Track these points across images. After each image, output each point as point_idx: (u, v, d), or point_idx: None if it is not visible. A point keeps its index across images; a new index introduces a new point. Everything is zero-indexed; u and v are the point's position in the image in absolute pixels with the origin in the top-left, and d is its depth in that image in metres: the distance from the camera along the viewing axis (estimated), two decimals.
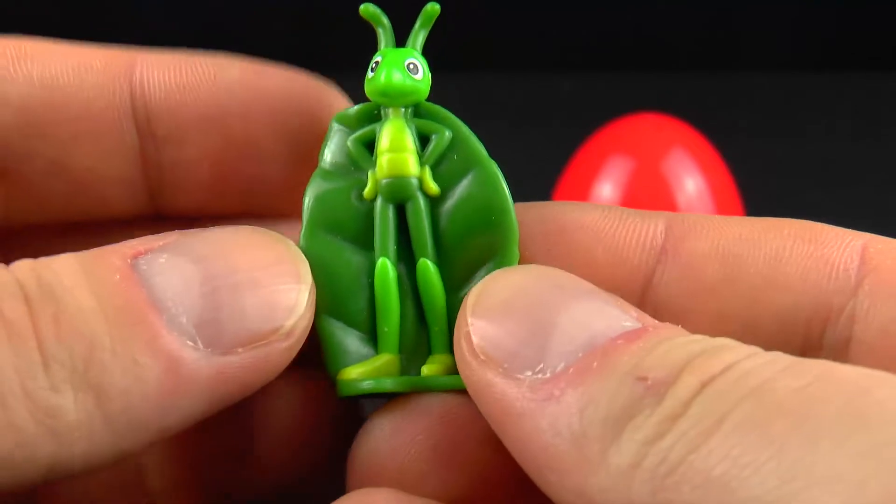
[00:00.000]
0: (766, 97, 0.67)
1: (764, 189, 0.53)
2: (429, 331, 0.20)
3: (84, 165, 0.21)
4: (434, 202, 0.20)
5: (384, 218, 0.20)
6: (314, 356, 0.20)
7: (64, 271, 0.17)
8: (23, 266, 0.17)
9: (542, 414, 0.16)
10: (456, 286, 0.20)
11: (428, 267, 0.20)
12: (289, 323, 0.18)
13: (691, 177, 0.45)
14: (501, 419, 0.17)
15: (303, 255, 0.19)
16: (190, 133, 0.20)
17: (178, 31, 0.66)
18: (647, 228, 0.20)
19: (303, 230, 0.20)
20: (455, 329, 0.18)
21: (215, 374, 0.17)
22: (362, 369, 0.20)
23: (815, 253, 0.19)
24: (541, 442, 0.16)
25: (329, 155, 0.20)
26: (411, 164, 0.20)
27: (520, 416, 0.17)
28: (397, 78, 0.20)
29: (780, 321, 0.19)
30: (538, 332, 0.17)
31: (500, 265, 0.20)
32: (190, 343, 0.17)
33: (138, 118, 0.21)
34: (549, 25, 0.67)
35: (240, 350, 0.17)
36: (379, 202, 0.20)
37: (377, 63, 0.20)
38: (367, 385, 0.20)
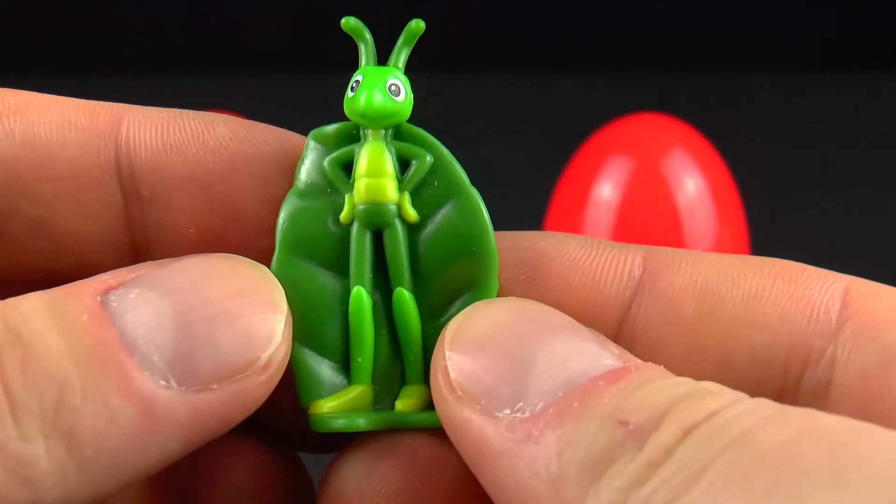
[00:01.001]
0: (766, 97, 0.67)
1: (764, 189, 0.53)
2: (403, 361, 0.20)
3: (67, 225, 0.20)
4: (412, 229, 0.20)
5: (360, 244, 0.19)
6: (277, 418, 0.20)
7: (31, 313, 0.17)
8: None
9: (519, 454, 0.16)
10: (433, 315, 0.20)
11: (404, 296, 0.20)
12: (265, 354, 0.17)
13: (691, 177, 0.45)
14: (478, 458, 0.17)
15: (278, 283, 0.18)
16: (175, 195, 0.20)
17: (178, 28, 0.66)
18: (624, 260, 0.20)
19: (276, 253, 0.19)
20: (431, 362, 0.18)
21: (191, 412, 0.17)
22: (335, 402, 0.19)
23: (796, 294, 0.19)
24: (517, 483, 0.16)
25: (304, 174, 0.20)
26: (390, 190, 0.19)
27: (497, 455, 0.16)
28: (378, 100, 0.19)
29: (756, 360, 0.19)
30: (517, 369, 0.17)
31: (478, 295, 0.19)
32: (163, 382, 0.17)
33: (123, 178, 0.20)
34: (549, 25, 0.67)
35: (215, 386, 0.17)
36: (355, 227, 0.19)
37: (357, 82, 0.19)
38: (340, 424, 0.19)
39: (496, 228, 0.20)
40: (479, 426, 0.17)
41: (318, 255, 0.20)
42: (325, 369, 0.20)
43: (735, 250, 0.46)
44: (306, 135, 0.20)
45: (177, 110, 0.20)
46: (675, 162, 0.45)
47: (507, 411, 0.17)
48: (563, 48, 0.67)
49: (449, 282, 0.19)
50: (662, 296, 0.19)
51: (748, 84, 0.67)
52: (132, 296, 0.17)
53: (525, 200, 0.49)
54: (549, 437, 0.16)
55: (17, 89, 0.20)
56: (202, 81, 0.60)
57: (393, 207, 0.19)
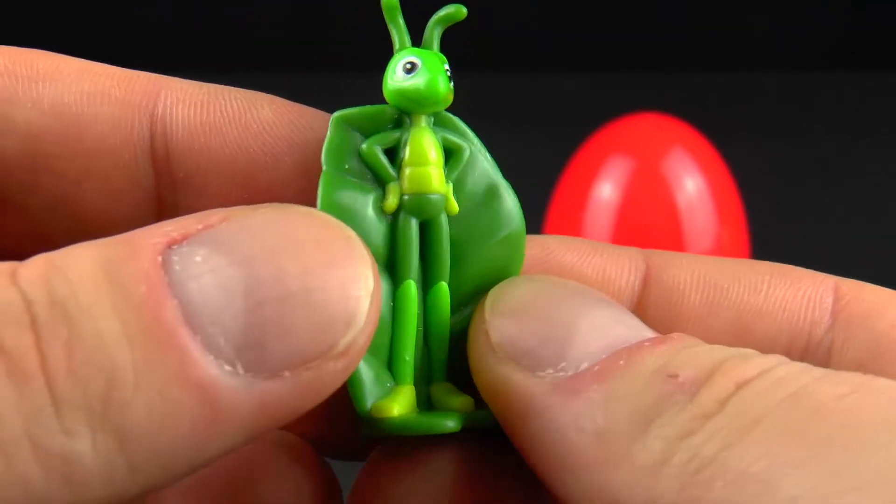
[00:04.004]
0: (766, 97, 0.67)
1: (764, 189, 0.53)
2: (431, 357, 0.19)
3: (93, 204, 0.19)
4: (451, 218, 0.19)
5: (408, 236, 0.18)
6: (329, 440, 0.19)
7: (81, 282, 0.14)
8: (34, 274, 0.14)
9: (563, 409, 0.16)
10: (456, 309, 0.19)
11: (445, 291, 0.19)
12: (345, 339, 0.15)
13: (691, 177, 0.45)
14: (518, 415, 0.17)
15: (367, 252, 0.16)
16: (211, 180, 0.18)
17: (178, 27, 0.66)
18: (628, 257, 0.20)
19: None
20: (470, 328, 0.18)
21: (257, 403, 0.15)
22: (399, 404, 0.18)
23: (792, 288, 0.19)
24: (560, 438, 0.16)
25: (336, 159, 0.18)
26: (438, 180, 0.18)
27: (539, 411, 0.16)
28: (443, 85, 0.18)
29: (760, 348, 0.19)
30: (560, 331, 0.17)
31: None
32: (228, 368, 0.14)
33: (157, 158, 0.18)
34: (550, 25, 0.67)
35: (287, 374, 0.15)
36: (402, 218, 0.18)
37: (412, 64, 0.18)
38: (424, 425, 0.18)
39: None
40: (520, 383, 0.17)
41: None
42: (374, 370, 0.18)
43: (735, 250, 0.46)
44: None
45: (219, 86, 0.19)
46: (675, 162, 0.45)
47: (550, 370, 0.17)
48: (564, 48, 0.67)
49: (477, 276, 0.19)
50: (670, 287, 0.20)
51: (748, 84, 0.67)
52: (198, 259, 0.15)
53: (525, 200, 0.49)
54: (594, 391, 0.16)
55: (47, 52, 0.19)
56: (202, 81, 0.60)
57: (440, 198, 0.18)
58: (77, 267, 0.14)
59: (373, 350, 0.18)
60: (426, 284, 0.19)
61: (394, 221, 0.19)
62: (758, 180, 0.51)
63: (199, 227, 0.15)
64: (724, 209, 0.45)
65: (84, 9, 0.65)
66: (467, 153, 0.19)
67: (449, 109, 0.19)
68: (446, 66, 0.19)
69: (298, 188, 0.18)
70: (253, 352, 0.15)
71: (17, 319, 0.14)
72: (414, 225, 0.19)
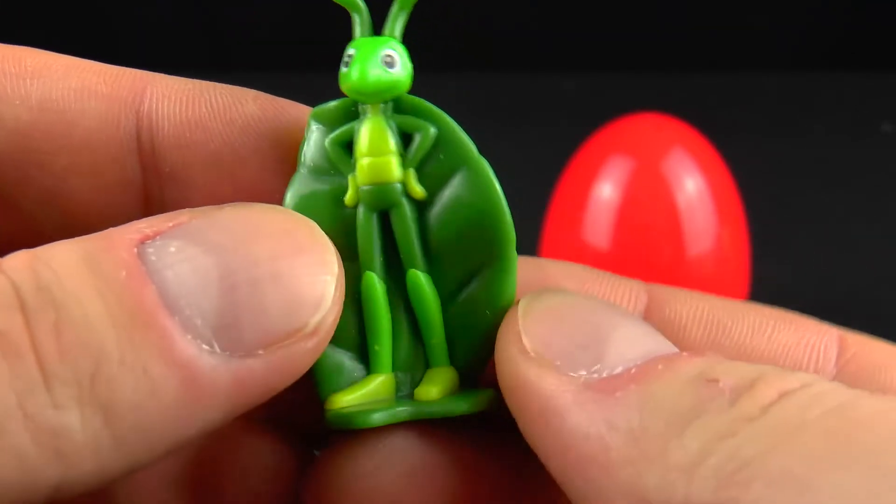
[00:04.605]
0: (766, 97, 0.67)
1: (764, 189, 0.53)
2: (425, 344, 0.19)
3: (81, 198, 0.19)
4: (421, 206, 0.19)
5: (366, 228, 0.18)
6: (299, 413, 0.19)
7: (64, 269, 0.15)
8: (18, 264, 0.15)
9: (596, 407, 0.16)
10: (451, 294, 0.19)
11: (418, 278, 0.19)
12: (314, 319, 0.16)
13: (691, 177, 0.45)
14: (544, 413, 0.16)
15: (329, 241, 0.17)
16: (197, 174, 0.19)
17: (177, 27, 0.66)
18: (629, 288, 0.20)
19: None
20: (500, 333, 0.18)
21: (235, 379, 0.16)
22: (353, 395, 0.19)
23: (796, 334, 0.19)
24: (590, 435, 0.16)
25: (307, 156, 0.18)
26: (393, 168, 0.18)
27: (568, 407, 0.16)
28: (372, 74, 0.18)
29: None
30: (594, 337, 0.17)
31: (498, 270, 0.18)
32: (206, 347, 0.15)
33: (143, 152, 0.19)
34: (549, 25, 0.67)
35: (261, 352, 0.16)
36: (361, 210, 0.18)
37: (350, 56, 0.18)
38: (357, 420, 0.18)
39: None
40: (551, 381, 0.16)
41: None
42: (343, 360, 0.19)
43: (735, 250, 0.46)
44: None
45: (204, 82, 0.19)
46: (675, 162, 0.45)
47: (584, 372, 0.16)
48: (564, 48, 0.67)
49: (465, 258, 0.19)
50: (671, 322, 0.19)
51: (748, 84, 0.67)
52: (172, 249, 0.16)
53: (525, 200, 0.49)
54: (631, 392, 0.16)
55: (36, 48, 0.19)
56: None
57: (398, 186, 0.18)
58: (59, 257, 0.15)
59: (336, 341, 0.18)
60: (401, 274, 0.19)
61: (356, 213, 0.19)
62: (758, 180, 0.51)
63: (170, 224, 0.16)
64: (724, 209, 0.45)
65: (84, 9, 0.65)
66: (432, 133, 0.18)
67: (449, 109, 0.19)
68: (387, 51, 0.18)
69: (283, 181, 0.19)
70: (228, 332, 0.16)
71: (6, 303, 0.15)
72: (373, 216, 0.18)
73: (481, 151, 0.19)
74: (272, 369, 0.16)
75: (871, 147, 0.65)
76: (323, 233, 0.17)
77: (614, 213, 0.45)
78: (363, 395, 0.19)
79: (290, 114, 0.19)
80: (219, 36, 0.67)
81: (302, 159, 0.18)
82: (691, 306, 0.20)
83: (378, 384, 0.19)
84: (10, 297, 0.15)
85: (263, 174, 0.19)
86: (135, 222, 0.16)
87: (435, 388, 0.19)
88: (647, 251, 0.44)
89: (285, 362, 0.16)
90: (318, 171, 0.19)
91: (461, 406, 0.18)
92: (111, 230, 0.16)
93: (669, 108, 0.49)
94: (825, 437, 0.14)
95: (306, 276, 0.16)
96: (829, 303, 0.52)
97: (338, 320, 0.17)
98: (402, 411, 0.18)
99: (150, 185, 0.19)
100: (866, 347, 0.19)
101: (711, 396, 0.15)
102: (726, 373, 0.16)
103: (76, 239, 0.16)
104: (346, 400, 0.19)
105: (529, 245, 0.47)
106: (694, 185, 0.45)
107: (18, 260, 0.15)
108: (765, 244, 0.49)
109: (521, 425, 0.17)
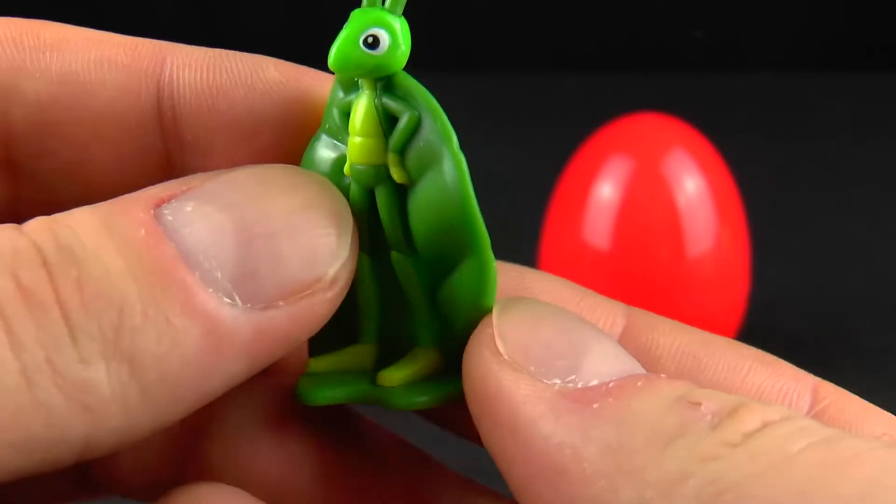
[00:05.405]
0: (766, 97, 0.67)
1: (764, 189, 0.53)
2: (409, 323, 0.19)
3: (102, 169, 0.19)
4: (408, 187, 0.18)
5: (355, 203, 0.18)
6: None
7: (83, 230, 0.15)
8: (37, 226, 0.15)
9: (572, 418, 0.16)
10: (438, 277, 0.19)
11: (400, 260, 0.18)
12: (332, 270, 0.17)
13: (691, 177, 0.45)
14: (513, 419, 0.16)
15: (341, 196, 0.17)
16: (219, 141, 0.19)
17: (177, 27, 0.66)
18: (608, 310, 0.19)
19: None
20: (473, 334, 0.18)
21: (257, 330, 0.16)
22: (328, 361, 0.19)
23: (771, 378, 0.19)
24: (563, 446, 0.16)
25: (325, 120, 0.18)
26: (376, 152, 0.18)
27: (543, 416, 0.16)
28: (349, 54, 0.17)
29: None
30: (572, 347, 0.17)
31: (476, 266, 0.18)
32: (227, 300, 0.16)
33: (164, 122, 0.19)
34: (550, 25, 0.67)
35: (281, 303, 0.16)
36: (353, 186, 0.18)
37: (342, 30, 0.18)
38: (320, 395, 0.18)
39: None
40: (525, 387, 0.16)
41: None
42: (331, 328, 0.18)
43: (735, 250, 0.46)
44: None
45: (224, 50, 0.19)
46: (675, 162, 0.45)
47: (558, 381, 0.16)
48: (564, 48, 0.67)
49: (446, 245, 0.18)
50: (646, 349, 0.19)
51: (748, 84, 0.67)
52: (188, 209, 0.16)
53: (525, 200, 0.49)
54: (609, 406, 0.16)
55: (53, 21, 0.20)
56: None
57: (370, 169, 0.18)
58: (76, 219, 0.16)
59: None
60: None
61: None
62: (758, 180, 0.51)
63: (184, 188, 0.16)
64: (724, 209, 0.45)
65: (84, 9, 0.65)
66: (412, 119, 0.18)
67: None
68: (371, 31, 0.17)
69: (302, 147, 0.19)
70: (248, 284, 0.16)
71: (30, 261, 0.15)
72: (363, 192, 0.18)
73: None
74: (292, 320, 0.16)
75: (871, 147, 0.65)
76: (335, 188, 0.17)
77: (614, 213, 0.45)
78: (338, 362, 0.19)
79: (310, 79, 0.19)
80: (219, 36, 0.67)
81: (322, 123, 0.19)
82: (669, 337, 0.19)
83: (356, 354, 0.19)
84: (32, 256, 0.15)
85: (286, 139, 0.19)
86: (149, 188, 0.17)
87: (399, 374, 0.19)
88: (647, 251, 0.44)
89: (305, 313, 0.17)
90: (332, 135, 0.18)
91: (414, 400, 0.18)
92: (126, 196, 0.16)
93: (669, 108, 0.49)
94: (812, 470, 0.14)
95: (321, 229, 0.17)
96: (829, 303, 0.52)
97: (353, 272, 0.17)
98: (364, 392, 0.18)
99: (173, 153, 0.19)
100: (840, 400, 0.19)
101: (693, 419, 0.15)
102: (707, 397, 0.15)
103: (92, 205, 0.16)
104: (320, 366, 0.19)
105: (529, 245, 0.47)
106: (694, 186, 0.45)
107: (38, 223, 0.16)
108: (765, 244, 0.49)
109: (482, 429, 0.17)
